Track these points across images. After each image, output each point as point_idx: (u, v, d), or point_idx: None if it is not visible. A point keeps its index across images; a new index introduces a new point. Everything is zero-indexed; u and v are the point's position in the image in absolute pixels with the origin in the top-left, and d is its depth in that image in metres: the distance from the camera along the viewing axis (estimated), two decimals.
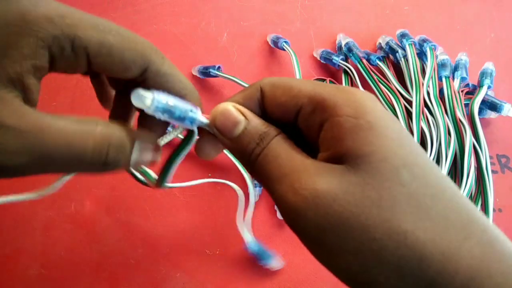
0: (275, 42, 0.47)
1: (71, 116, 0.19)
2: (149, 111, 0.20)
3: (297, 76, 0.43)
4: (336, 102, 0.19)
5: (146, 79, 0.21)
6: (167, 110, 0.20)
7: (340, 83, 0.48)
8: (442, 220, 0.17)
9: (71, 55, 0.19)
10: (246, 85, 0.43)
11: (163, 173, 0.24)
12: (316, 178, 0.18)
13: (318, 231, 0.18)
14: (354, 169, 0.18)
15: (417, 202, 0.17)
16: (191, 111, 0.21)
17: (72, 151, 0.18)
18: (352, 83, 0.47)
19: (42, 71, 0.19)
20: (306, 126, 0.21)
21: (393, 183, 0.18)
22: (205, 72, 0.46)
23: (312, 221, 0.18)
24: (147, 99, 0.19)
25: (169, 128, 0.26)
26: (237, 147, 0.21)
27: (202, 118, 0.22)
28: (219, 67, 0.45)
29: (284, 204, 0.19)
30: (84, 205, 0.43)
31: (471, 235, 0.17)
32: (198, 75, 0.47)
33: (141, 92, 0.19)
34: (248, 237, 0.39)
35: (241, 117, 0.21)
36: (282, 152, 0.20)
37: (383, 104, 0.45)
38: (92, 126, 0.19)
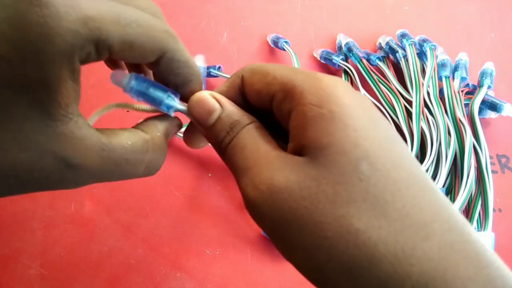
0: (275, 42, 0.47)
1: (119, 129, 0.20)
2: (126, 92, 0.20)
3: None
4: (303, 90, 0.18)
5: (159, 63, 0.21)
6: (142, 93, 0.21)
7: None
8: (400, 218, 0.16)
9: (95, 56, 0.18)
10: None
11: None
12: (276, 172, 0.18)
13: (274, 225, 0.17)
14: (312, 162, 0.17)
15: (375, 199, 0.16)
16: (168, 97, 0.21)
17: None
18: (352, 83, 0.47)
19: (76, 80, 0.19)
20: (279, 114, 0.20)
21: (350, 178, 0.17)
22: (206, 72, 0.46)
23: (268, 216, 0.17)
24: (124, 81, 0.20)
25: None
26: (211, 136, 0.21)
27: (179, 105, 0.22)
28: (219, 67, 0.45)
29: (244, 197, 0.19)
30: (84, 205, 0.43)
31: (431, 235, 0.16)
32: None
33: (118, 74, 0.20)
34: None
35: (217, 105, 0.21)
36: (249, 142, 0.19)
37: (383, 104, 0.45)
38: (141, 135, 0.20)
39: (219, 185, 0.44)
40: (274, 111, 0.20)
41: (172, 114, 0.22)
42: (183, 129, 0.24)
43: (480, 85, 0.45)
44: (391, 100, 0.45)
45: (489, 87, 0.45)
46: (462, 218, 0.17)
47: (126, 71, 0.23)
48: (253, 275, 0.42)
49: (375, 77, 0.46)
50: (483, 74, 0.46)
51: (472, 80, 0.47)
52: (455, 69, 0.46)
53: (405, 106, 0.45)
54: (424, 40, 0.47)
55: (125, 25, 0.18)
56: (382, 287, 0.15)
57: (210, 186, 0.44)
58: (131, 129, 0.21)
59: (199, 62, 0.43)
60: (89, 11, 0.16)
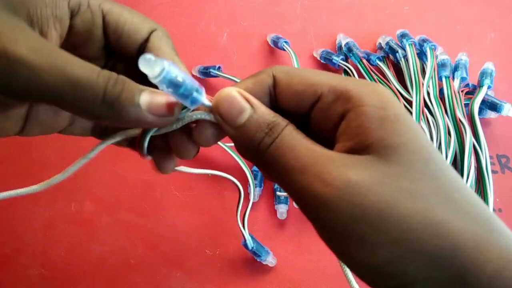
0: (275, 42, 0.47)
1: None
2: (155, 80, 0.18)
3: None
4: (362, 93, 0.19)
5: (147, 43, 0.21)
6: (173, 84, 0.19)
7: None
8: (468, 213, 0.18)
9: (88, 12, 0.19)
10: None
11: (143, 136, 0.23)
12: (346, 168, 0.18)
13: (350, 222, 0.17)
14: (384, 160, 0.18)
15: (446, 195, 0.18)
16: (196, 90, 0.19)
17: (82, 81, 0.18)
18: None
19: (62, 24, 0.19)
20: (324, 116, 0.20)
21: (424, 176, 0.18)
22: (205, 72, 0.46)
23: (344, 212, 0.17)
24: (156, 67, 0.18)
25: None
26: (242, 136, 0.20)
27: (206, 100, 0.20)
28: (219, 67, 0.45)
29: (310, 195, 0.18)
30: (84, 205, 0.43)
31: (494, 228, 0.18)
32: (198, 75, 0.47)
33: (152, 57, 0.18)
34: (246, 233, 0.39)
35: (247, 105, 0.20)
36: (298, 142, 0.19)
37: None
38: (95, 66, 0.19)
39: (219, 185, 0.44)
40: (317, 113, 0.20)
41: (193, 108, 0.21)
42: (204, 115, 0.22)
43: (480, 85, 0.45)
44: None
45: (489, 87, 0.45)
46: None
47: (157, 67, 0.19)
48: (253, 275, 0.42)
49: (375, 77, 0.46)
50: (483, 74, 0.46)
51: (472, 80, 0.47)
52: (455, 69, 0.46)
53: (405, 106, 0.45)
54: (424, 40, 0.47)
55: (117, 5, 0.20)
56: (465, 273, 0.17)
57: (210, 186, 0.44)
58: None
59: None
60: None
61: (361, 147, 0.18)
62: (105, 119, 0.19)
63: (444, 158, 0.20)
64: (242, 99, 0.20)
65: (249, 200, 0.41)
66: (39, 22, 0.19)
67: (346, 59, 0.48)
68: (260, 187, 0.43)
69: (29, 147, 0.44)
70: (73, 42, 0.21)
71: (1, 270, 0.40)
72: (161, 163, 0.24)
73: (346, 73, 0.47)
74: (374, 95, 0.19)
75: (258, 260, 0.40)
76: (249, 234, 0.39)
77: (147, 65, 0.18)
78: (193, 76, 0.47)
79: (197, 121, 0.22)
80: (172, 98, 0.20)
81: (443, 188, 0.18)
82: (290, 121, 0.20)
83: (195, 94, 0.19)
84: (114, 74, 0.19)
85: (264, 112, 0.20)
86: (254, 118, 0.20)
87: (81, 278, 0.41)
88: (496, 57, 0.49)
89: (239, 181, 0.39)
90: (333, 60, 0.47)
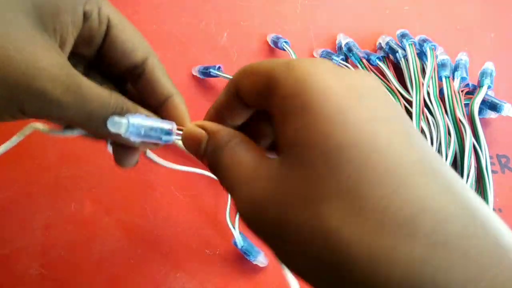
0: (275, 42, 0.48)
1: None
2: (125, 136, 0.21)
3: None
4: (278, 81, 0.17)
5: (144, 70, 0.22)
6: (141, 135, 0.21)
7: None
8: (379, 214, 0.14)
9: (96, 20, 0.20)
10: None
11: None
12: (253, 184, 0.17)
13: (265, 238, 0.17)
14: (285, 161, 0.16)
15: (348, 193, 0.14)
16: (166, 133, 0.22)
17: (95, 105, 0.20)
18: None
19: (77, 29, 0.20)
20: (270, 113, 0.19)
21: (320, 172, 0.15)
22: (205, 72, 0.46)
23: (257, 229, 0.17)
24: (121, 127, 0.21)
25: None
26: (206, 162, 0.22)
27: (177, 140, 0.23)
28: (219, 67, 0.45)
29: (238, 212, 0.19)
30: (84, 205, 0.43)
31: (415, 233, 0.13)
32: (198, 75, 0.47)
33: (116, 119, 0.20)
34: (235, 232, 0.39)
35: (203, 133, 0.21)
36: (229, 162, 0.19)
37: None
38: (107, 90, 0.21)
39: (219, 185, 0.44)
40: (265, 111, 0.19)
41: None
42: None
43: (480, 85, 0.45)
44: None
45: (489, 87, 0.45)
46: (478, 202, 0.15)
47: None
48: (253, 275, 0.42)
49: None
50: (483, 74, 0.46)
51: (472, 80, 0.47)
52: (455, 69, 0.46)
53: (405, 106, 0.45)
54: (424, 40, 0.47)
55: (123, 20, 0.21)
56: None
57: (210, 186, 0.44)
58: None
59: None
60: None
61: (276, 148, 0.19)
62: (111, 137, 0.21)
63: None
64: (199, 130, 0.21)
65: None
66: (61, 30, 0.19)
67: (346, 59, 0.48)
68: None
69: (28, 148, 0.44)
70: (80, 41, 0.22)
71: (1, 270, 0.40)
72: (121, 156, 0.25)
73: None
74: (290, 80, 0.16)
75: (248, 259, 0.40)
76: (240, 233, 0.40)
77: (115, 126, 0.21)
78: (193, 76, 0.47)
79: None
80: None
81: (346, 184, 0.14)
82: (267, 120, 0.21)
83: (164, 137, 0.22)
84: (121, 102, 0.21)
85: (216, 134, 0.20)
86: (208, 144, 0.21)
87: (81, 278, 0.41)
88: (496, 57, 0.49)
89: None
90: (333, 60, 0.47)
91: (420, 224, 0.13)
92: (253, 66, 0.20)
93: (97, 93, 0.20)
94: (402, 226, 0.13)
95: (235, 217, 0.40)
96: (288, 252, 0.16)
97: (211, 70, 0.45)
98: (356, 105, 0.15)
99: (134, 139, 0.21)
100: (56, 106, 0.18)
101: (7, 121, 0.19)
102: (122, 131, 0.20)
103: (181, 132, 0.22)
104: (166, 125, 0.22)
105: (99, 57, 0.23)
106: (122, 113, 0.21)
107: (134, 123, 0.21)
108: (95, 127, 0.21)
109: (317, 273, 0.15)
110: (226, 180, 0.19)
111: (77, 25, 0.20)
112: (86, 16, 0.20)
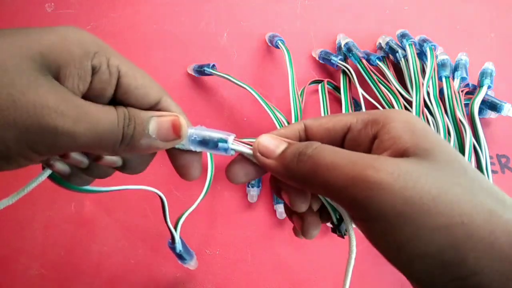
0: (271, 40, 0.48)
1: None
2: (186, 145, 0.23)
3: (290, 73, 0.43)
4: (388, 114, 0.22)
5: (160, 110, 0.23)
6: (199, 143, 0.23)
7: (338, 83, 0.48)
8: (502, 209, 0.18)
9: (106, 72, 0.21)
10: (240, 83, 0.43)
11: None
12: (394, 161, 0.19)
13: (403, 204, 0.18)
14: (423, 159, 0.19)
15: (488, 190, 0.19)
16: (220, 141, 0.23)
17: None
18: (351, 83, 0.47)
19: (84, 82, 0.20)
20: (356, 143, 0.23)
21: (464, 173, 0.19)
22: (200, 70, 0.46)
23: (398, 194, 0.18)
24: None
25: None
26: (281, 163, 0.22)
27: (232, 145, 0.24)
28: (213, 65, 0.45)
29: (360, 183, 0.19)
30: (84, 205, 0.43)
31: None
32: (193, 74, 0.47)
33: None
34: (177, 236, 0.37)
35: (282, 141, 0.23)
36: (337, 149, 0.21)
37: (382, 105, 0.45)
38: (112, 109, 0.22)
39: (219, 185, 0.44)
40: (347, 143, 0.23)
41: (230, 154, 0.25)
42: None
43: (480, 85, 0.45)
44: (391, 100, 0.45)
45: (489, 87, 0.45)
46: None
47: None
48: (253, 275, 0.42)
49: (374, 77, 0.46)
50: (483, 74, 0.46)
51: (472, 80, 0.47)
52: (455, 69, 0.46)
53: (405, 106, 0.44)
54: (424, 40, 0.47)
55: (133, 67, 0.22)
56: None
57: (210, 186, 0.44)
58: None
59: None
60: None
61: (398, 153, 0.20)
62: (123, 153, 0.22)
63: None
64: (278, 138, 0.23)
65: (191, 205, 0.39)
66: (66, 81, 0.20)
67: (345, 59, 0.48)
68: (259, 187, 0.43)
69: None
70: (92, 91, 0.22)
71: (1, 270, 0.40)
72: (185, 170, 0.26)
73: (345, 73, 0.47)
74: (399, 114, 0.21)
75: (180, 262, 0.39)
76: (180, 238, 0.37)
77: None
78: (188, 74, 0.47)
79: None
80: (180, 119, 0.23)
81: (484, 184, 0.19)
82: None
83: (220, 144, 0.23)
84: (126, 111, 0.21)
85: (298, 143, 0.23)
86: (290, 148, 0.22)
87: (81, 278, 0.41)
88: (496, 57, 0.49)
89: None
90: (332, 60, 0.47)
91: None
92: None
93: (104, 111, 0.21)
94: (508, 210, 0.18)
95: (178, 222, 0.38)
96: (432, 225, 0.17)
97: (205, 68, 0.45)
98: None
99: (196, 148, 0.23)
100: (70, 138, 0.19)
101: (22, 166, 0.20)
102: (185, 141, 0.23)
103: (236, 142, 0.24)
104: (222, 135, 0.24)
105: (114, 103, 0.24)
106: (130, 124, 0.21)
107: (192, 133, 0.23)
108: (107, 145, 0.21)
109: (474, 244, 0.17)
110: (339, 159, 0.20)
111: (84, 78, 0.20)
112: (94, 70, 0.21)
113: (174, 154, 0.25)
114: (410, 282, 0.19)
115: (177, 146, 0.23)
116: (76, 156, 0.23)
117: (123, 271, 0.41)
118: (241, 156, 0.25)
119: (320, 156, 0.21)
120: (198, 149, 0.23)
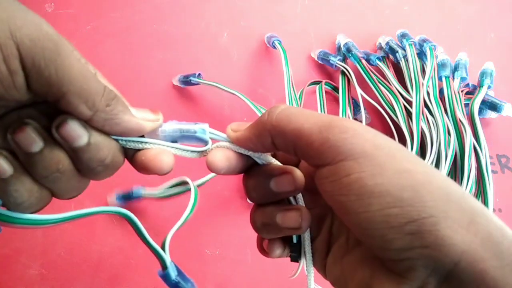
0: (269, 41, 0.48)
1: None
2: (160, 136, 0.24)
3: (286, 73, 0.43)
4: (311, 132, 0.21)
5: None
6: (172, 137, 0.24)
7: (337, 83, 0.48)
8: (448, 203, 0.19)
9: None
10: (228, 90, 0.43)
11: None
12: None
13: (373, 148, 0.19)
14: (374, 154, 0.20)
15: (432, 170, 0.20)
16: (194, 132, 0.24)
17: None
18: (349, 84, 0.47)
19: None
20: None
21: (411, 161, 0.20)
22: (186, 81, 0.45)
23: (369, 140, 0.19)
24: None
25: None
26: (252, 125, 0.23)
27: (212, 133, 0.24)
28: (199, 74, 0.45)
29: (338, 126, 0.20)
30: (84, 205, 0.43)
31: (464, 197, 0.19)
32: (179, 85, 0.46)
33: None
34: (167, 258, 0.28)
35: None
36: (294, 107, 0.22)
37: (382, 105, 0.45)
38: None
39: (219, 185, 0.44)
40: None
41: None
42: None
43: (480, 85, 0.45)
44: (391, 101, 0.45)
45: (489, 87, 0.45)
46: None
47: None
48: (253, 275, 0.42)
49: (374, 77, 0.46)
50: (483, 74, 0.46)
51: (472, 80, 0.47)
52: (455, 69, 0.46)
53: (405, 106, 0.45)
54: (424, 40, 0.47)
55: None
56: (475, 213, 0.18)
57: (210, 186, 0.44)
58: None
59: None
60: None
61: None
62: (102, 113, 0.21)
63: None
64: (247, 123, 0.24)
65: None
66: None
67: (344, 59, 0.48)
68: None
69: None
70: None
71: (1, 270, 0.40)
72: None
73: (343, 74, 0.47)
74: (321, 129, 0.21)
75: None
76: (171, 262, 0.28)
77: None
78: (173, 86, 0.47)
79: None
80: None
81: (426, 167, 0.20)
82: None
83: (197, 134, 0.24)
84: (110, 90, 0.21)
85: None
86: (260, 118, 0.23)
87: (81, 278, 0.41)
88: (496, 57, 0.49)
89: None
90: (330, 61, 0.47)
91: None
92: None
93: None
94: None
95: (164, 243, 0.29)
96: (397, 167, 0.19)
97: (191, 78, 0.44)
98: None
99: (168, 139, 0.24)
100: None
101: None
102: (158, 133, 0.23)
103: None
104: (196, 124, 0.24)
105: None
106: (111, 95, 0.21)
107: (164, 129, 0.24)
108: (89, 91, 0.20)
109: (434, 197, 0.18)
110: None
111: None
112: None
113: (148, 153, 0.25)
114: (363, 236, 0.19)
115: (151, 145, 0.24)
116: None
117: (123, 271, 0.41)
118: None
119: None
120: (173, 143, 0.24)
